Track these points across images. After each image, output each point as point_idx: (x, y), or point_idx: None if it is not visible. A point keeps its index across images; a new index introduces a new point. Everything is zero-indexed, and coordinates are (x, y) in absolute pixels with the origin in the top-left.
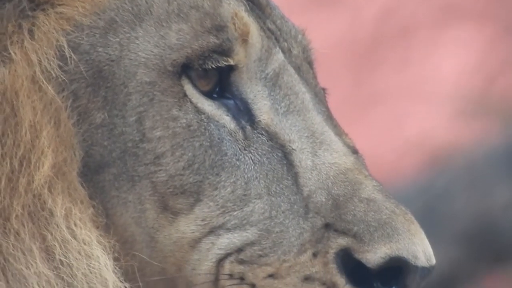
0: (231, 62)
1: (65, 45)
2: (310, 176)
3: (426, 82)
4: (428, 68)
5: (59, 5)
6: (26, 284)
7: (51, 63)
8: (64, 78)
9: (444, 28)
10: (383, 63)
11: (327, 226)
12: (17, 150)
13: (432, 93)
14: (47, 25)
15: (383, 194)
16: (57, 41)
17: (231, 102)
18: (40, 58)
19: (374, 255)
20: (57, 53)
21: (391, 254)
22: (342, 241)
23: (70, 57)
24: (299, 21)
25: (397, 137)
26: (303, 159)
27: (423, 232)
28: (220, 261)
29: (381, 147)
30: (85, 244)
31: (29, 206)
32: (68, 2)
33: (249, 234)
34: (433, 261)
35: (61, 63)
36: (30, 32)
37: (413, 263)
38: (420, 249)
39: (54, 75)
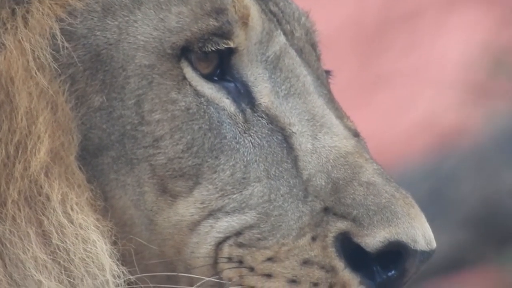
0: (231, 45)
1: (58, 33)
2: (310, 160)
3: (432, 65)
4: (434, 51)
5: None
6: (23, 268)
7: (44, 52)
8: (61, 63)
9: (451, 10)
10: (390, 46)
11: (326, 209)
12: (12, 136)
13: (438, 76)
14: (41, 11)
15: (383, 178)
16: (51, 28)
17: (231, 85)
18: (34, 45)
19: (373, 239)
20: (52, 39)
21: (390, 238)
22: (341, 225)
23: (63, 45)
24: (304, 3)
25: (404, 120)
26: (303, 142)
27: (423, 216)
28: (219, 244)
29: (388, 130)
30: (81, 228)
31: (25, 192)
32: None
33: (248, 217)
34: (434, 244)
35: (56, 49)
36: (24, 19)
37: (412, 247)
38: (420, 233)
39: (49, 61)
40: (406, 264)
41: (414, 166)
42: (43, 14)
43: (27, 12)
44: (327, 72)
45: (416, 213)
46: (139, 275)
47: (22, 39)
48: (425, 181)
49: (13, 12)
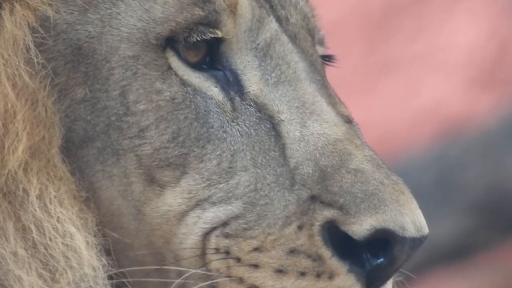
0: (219, 35)
1: (31, 45)
2: (297, 147)
3: (439, 51)
4: (441, 38)
5: None
6: (4, 263)
7: (20, 61)
8: (40, 59)
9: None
10: (396, 31)
11: (313, 198)
12: None
13: (445, 63)
14: (14, 14)
15: (374, 164)
16: (24, 38)
17: (220, 73)
18: (9, 49)
19: (360, 227)
20: (31, 35)
21: (377, 226)
22: (328, 213)
23: (37, 57)
24: None
25: (410, 106)
26: (291, 130)
27: (414, 202)
28: (206, 235)
29: (394, 117)
30: (59, 222)
31: (3, 188)
32: None
33: (234, 207)
34: (425, 231)
35: (36, 45)
36: None
37: (400, 234)
38: (409, 220)
39: (34, 51)
40: (394, 252)
41: (421, 153)
42: (16, 18)
43: (0, 12)
44: (330, 57)
45: (405, 200)
46: (128, 269)
47: None
48: (431, 168)
49: None
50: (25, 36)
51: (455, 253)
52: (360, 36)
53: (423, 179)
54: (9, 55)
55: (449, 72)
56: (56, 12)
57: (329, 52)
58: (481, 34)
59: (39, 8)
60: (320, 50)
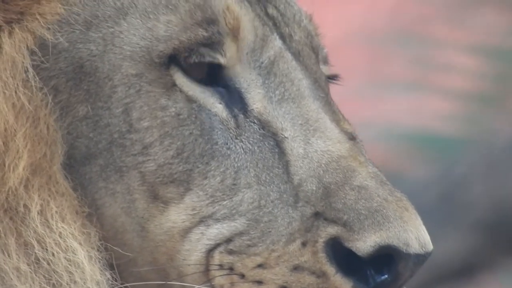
0: (220, 61)
1: (29, 68)
2: (301, 164)
3: (442, 71)
4: (444, 57)
5: (21, 21)
6: (7, 278)
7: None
8: (42, 76)
9: (461, 17)
10: (399, 53)
11: (317, 214)
12: None
13: (448, 82)
14: (11, 43)
15: (377, 181)
16: (23, 61)
17: (223, 90)
18: (10, 69)
19: (364, 243)
20: (31, 56)
21: (381, 243)
22: (332, 230)
23: (34, 79)
24: (313, 9)
25: (414, 125)
26: (295, 147)
27: (418, 219)
28: (210, 252)
29: (398, 135)
30: (61, 237)
31: (4, 204)
32: (29, 17)
33: (238, 224)
34: (429, 247)
35: (36, 64)
36: None
37: (404, 250)
38: (413, 236)
39: (29, 77)
40: (399, 268)
41: (424, 170)
42: (15, 41)
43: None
44: (335, 76)
45: (409, 216)
46: (132, 284)
47: None
48: (435, 185)
49: None
50: (24, 58)
51: (459, 271)
52: (363, 56)
53: (426, 197)
54: (7, 77)
55: (452, 90)
56: (56, 33)
57: (333, 70)
58: (483, 55)
59: (38, 31)
60: (324, 69)
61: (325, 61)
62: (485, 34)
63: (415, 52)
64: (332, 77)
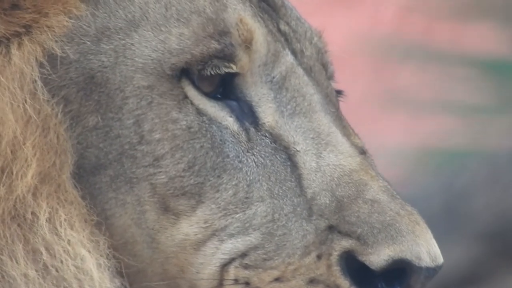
0: (233, 69)
1: (37, 80)
2: (314, 178)
3: (445, 81)
4: (448, 67)
5: (30, 33)
6: (15, 284)
7: (26, 95)
8: (52, 86)
9: (466, 25)
10: (403, 62)
11: (330, 228)
12: None
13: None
14: (20, 55)
15: (389, 195)
16: (32, 73)
17: (234, 103)
18: (15, 86)
19: (378, 257)
20: (40, 67)
21: (394, 257)
22: (346, 243)
23: (42, 92)
24: (317, 20)
25: (418, 135)
26: (307, 160)
27: (429, 232)
28: (224, 266)
29: (402, 145)
30: (69, 244)
31: (11, 211)
32: (37, 30)
33: (252, 238)
34: (440, 260)
35: (47, 73)
36: (7, 54)
37: (416, 264)
38: (424, 250)
39: (39, 87)
40: (410, 281)
41: (428, 181)
42: (24, 53)
43: (9, 46)
44: (339, 92)
45: (421, 230)
46: None
47: (4, 75)
48: (438, 196)
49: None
50: (32, 70)
51: (463, 281)
52: (367, 66)
53: (430, 208)
54: (15, 88)
55: (456, 101)
56: (66, 44)
57: (337, 87)
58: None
59: (46, 44)
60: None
61: (331, 77)
62: (487, 45)
63: (418, 64)
64: (337, 93)
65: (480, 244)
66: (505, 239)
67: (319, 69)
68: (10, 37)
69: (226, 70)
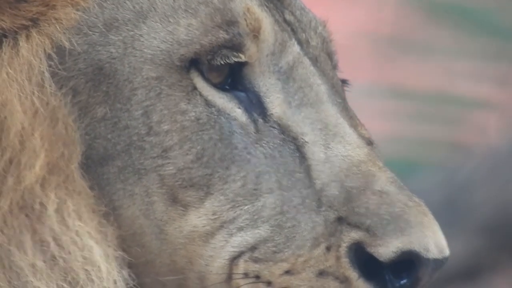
0: (242, 59)
1: (46, 72)
2: (322, 169)
3: (448, 72)
4: (449, 59)
5: (38, 25)
6: (22, 274)
7: (39, 72)
8: (61, 76)
9: (463, 21)
10: (405, 54)
11: (340, 219)
12: (3, 153)
13: (454, 84)
14: (29, 48)
15: (397, 186)
16: (40, 65)
17: (243, 94)
18: (23, 78)
19: (387, 249)
20: (48, 58)
21: (403, 248)
22: (355, 235)
23: (50, 81)
24: (319, 12)
25: (420, 128)
26: (315, 151)
27: (436, 224)
28: (234, 259)
29: (404, 138)
30: (77, 235)
31: (19, 202)
32: (45, 23)
33: (262, 230)
34: (446, 252)
35: (55, 64)
36: (15, 46)
37: (424, 256)
38: (432, 242)
39: (47, 78)
40: (418, 273)
41: (429, 174)
42: (32, 45)
43: (17, 38)
44: (344, 81)
45: (429, 222)
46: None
47: (12, 67)
48: (440, 189)
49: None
50: (41, 62)
51: (464, 274)
52: (369, 58)
53: (431, 200)
54: (23, 80)
55: (458, 94)
56: (74, 36)
57: (341, 76)
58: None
59: (54, 36)
60: None
61: (335, 67)
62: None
63: (418, 57)
64: (342, 82)
65: (480, 237)
66: (505, 232)
67: (325, 59)
68: (17, 30)
69: (235, 60)
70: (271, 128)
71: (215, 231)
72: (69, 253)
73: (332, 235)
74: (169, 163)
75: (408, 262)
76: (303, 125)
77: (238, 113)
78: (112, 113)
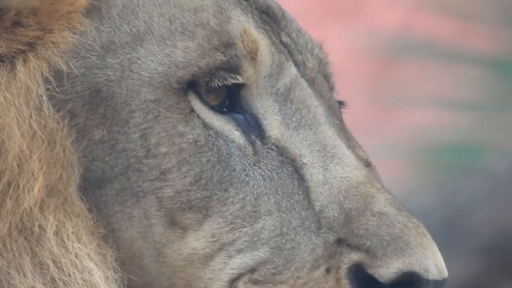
0: (239, 80)
1: (43, 96)
2: (321, 191)
3: (445, 92)
4: (447, 78)
5: (35, 49)
6: None
7: (36, 96)
8: (58, 99)
9: (462, 39)
10: (402, 75)
11: (339, 241)
12: (1, 176)
13: (451, 103)
14: (26, 71)
15: (395, 207)
16: (37, 89)
17: (240, 116)
18: (21, 102)
19: (387, 270)
20: (45, 82)
21: (404, 269)
22: (355, 256)
23: (48, 108)
24: (316, 34)
25: (417, 148)
26: (314, 173)
27: (435, 245)
28: (233, 282)
29: (401, 158)
30: (77, 258)
31: (18, 225)
32: (42, 46)
33: (261, 252)
34: (445, 273)
35: (52, 87)
36: (12, 70)
37: (425, 277)
38: (432, 263)
39: (45, 100)
40: None
41: (428, 195)
42: (29, 69)
43: (14, 62)
44: (341, 103)
45: (428, 243)
46: None
47: (10, 91)
48: (438, 210)
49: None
50: (38, 86)
51: None
52: (365, 79)
53: (430, 222)
54: (21, 104)
55: (456, 112)
56: (71, 59)
57: (339, 98)
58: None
59: (52, 60)
60: None
61: (332, 89)
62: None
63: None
64: (339, 104)
65: (479, 259)
66: (504, 254)
67: (322, 80)
68: (14, 54)
69: (233, 81)
70: (269, 150)
71: (214, 253)
72: (69, 275)
73: (332, 257)
74: (167, 185)
75: (409, 283)
76: (301, 147)
77: (236, 135)
78: (110, 136)
